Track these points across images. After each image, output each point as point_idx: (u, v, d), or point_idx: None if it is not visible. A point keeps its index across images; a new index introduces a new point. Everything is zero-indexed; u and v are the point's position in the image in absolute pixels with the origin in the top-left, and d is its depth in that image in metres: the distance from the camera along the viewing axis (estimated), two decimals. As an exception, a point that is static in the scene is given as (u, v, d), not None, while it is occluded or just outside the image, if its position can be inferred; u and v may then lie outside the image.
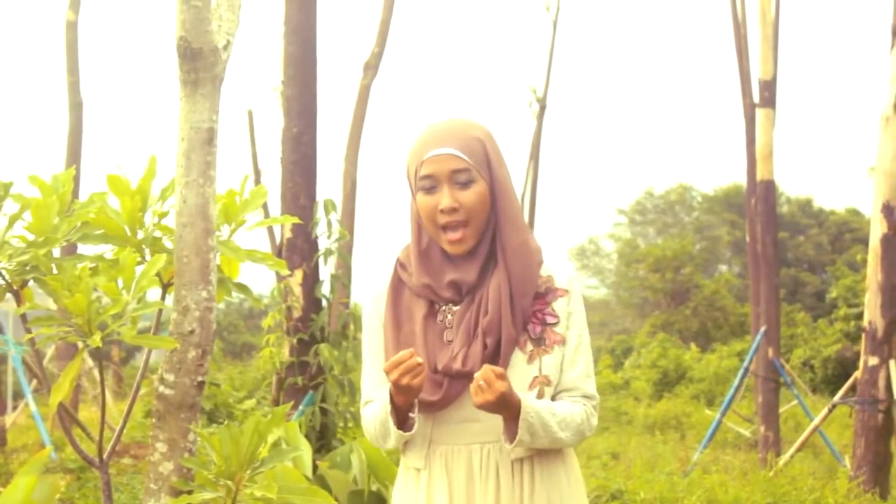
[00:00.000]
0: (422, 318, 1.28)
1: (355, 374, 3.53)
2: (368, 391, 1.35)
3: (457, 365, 1.24)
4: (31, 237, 1.52)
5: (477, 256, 1.28)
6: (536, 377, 1.25)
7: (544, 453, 1.27)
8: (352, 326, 3.69)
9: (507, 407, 1.19)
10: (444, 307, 1.29)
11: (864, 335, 4.22)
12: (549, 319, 1.27)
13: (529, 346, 1.26)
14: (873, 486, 4.03)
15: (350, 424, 3.59)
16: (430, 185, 1.26)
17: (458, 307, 1.28)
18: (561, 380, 1.28)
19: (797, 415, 7.41)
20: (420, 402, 1.24)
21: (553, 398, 1.28)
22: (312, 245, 3.78)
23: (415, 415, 1.24)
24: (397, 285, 1.33)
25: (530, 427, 1.20)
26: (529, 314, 1.27)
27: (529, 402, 1.21)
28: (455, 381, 1.24)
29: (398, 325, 1.30)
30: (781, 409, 6.38)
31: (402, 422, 1.26)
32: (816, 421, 4.91)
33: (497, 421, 1.23)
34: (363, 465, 2.72)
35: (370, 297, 1.37)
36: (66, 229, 1.52)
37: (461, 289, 1.28)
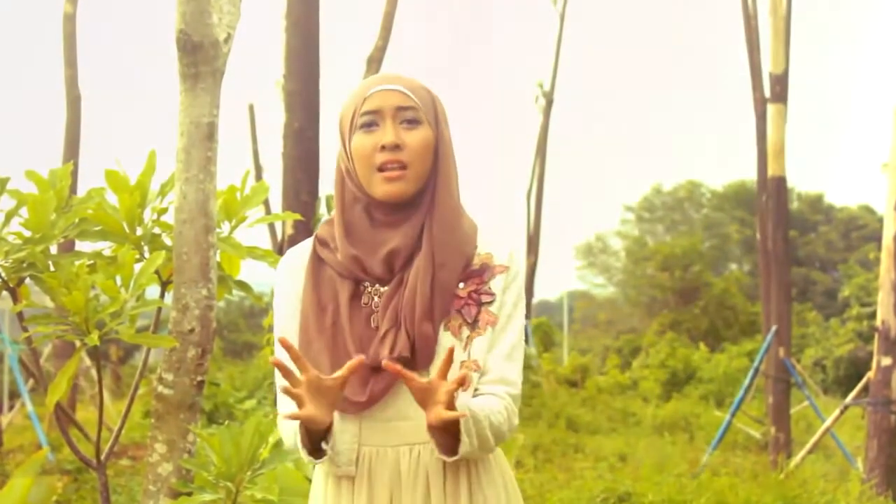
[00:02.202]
0: (347, 302, 1.12)
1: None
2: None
3: (384, 354, 1.08)
4: (27, 233, 1.50)
5: (410, 220, 1.12)
6: (464, 362, 1.10)
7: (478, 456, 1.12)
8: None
9: (437, 417, 1.00)
10: (370, 288, 1.13)
11: (876, 335, 4.17)
12: (485, 299, 1.13)
13: (465, 331, 1.11)
14: (886, 488, 3.98)
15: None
16: (371, 121, 1.11)
17: (385, 288, 1.12)
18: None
19: (808, 416, 7.32)
20: (345, 401, 1.08)
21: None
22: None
23: (328, 445, 1.06)
24: (316, 264, 1.16)
25: (468, 430, 1.04)
26: (452, 292, 1.12)
27: (461, 400, 1.04)
28: (381, 375, 1.08)
29: (321, 310, 1.13)
30: (792, 410, 6.29)
31: (315, 447, 1.06)
32: (828, 422, 4.85)
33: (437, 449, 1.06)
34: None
35: (287, 269, 1.18)
36: (63, 226, 1.49)
37: (394, 264, 1.12)
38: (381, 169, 1.10)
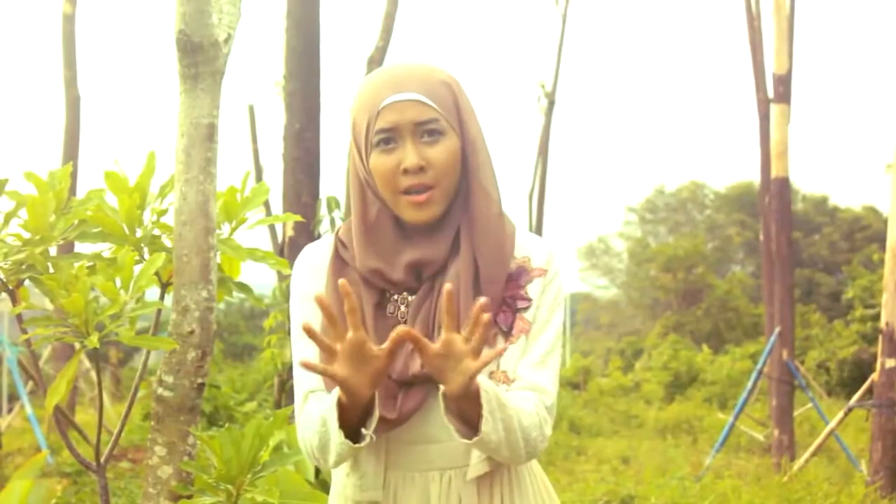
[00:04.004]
0: (371, 310, 1.04)
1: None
2: (311, 380, 1.05)
3: (414, 367, 0.99)
4: (26, 235, 1.50)
5: (443, 230, 1.04)
6: (493, 372, 1.01)
7: (516, 477, 1.04)
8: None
9: (464, 374, 0.89)
10: (396, 296, 1.04)
11: (880, 337, 4.15)
12: (520, 304, 1.04)
13: (500, 341, 1.03)
14: (890, 491, 3.96)
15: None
16: (388, 138, 1.01)
17: (414, 296, 1.04)
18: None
19: (812, 418, 7.29)
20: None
21: None
22: (316, 244, 3.74)
23: (368, 431, 0.94)
24: (339, 265, 1.07)
25: (490, 410, 0.92)
26: (499, 305, 1.04)
27: (482, 378, 0.94)
28: (412, 391, 0.99)
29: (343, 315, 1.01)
30: (796, 413, 6.26)
31: (353, 431, 0.95)
32: (832, 425, 4.82)
33: (460, 442, 0.96)
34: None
35: (307, 268, 1.09)
36: (62, 227, 1.49)
37: (421, 272, 1.03)
38: (405, 192, 1.02)
